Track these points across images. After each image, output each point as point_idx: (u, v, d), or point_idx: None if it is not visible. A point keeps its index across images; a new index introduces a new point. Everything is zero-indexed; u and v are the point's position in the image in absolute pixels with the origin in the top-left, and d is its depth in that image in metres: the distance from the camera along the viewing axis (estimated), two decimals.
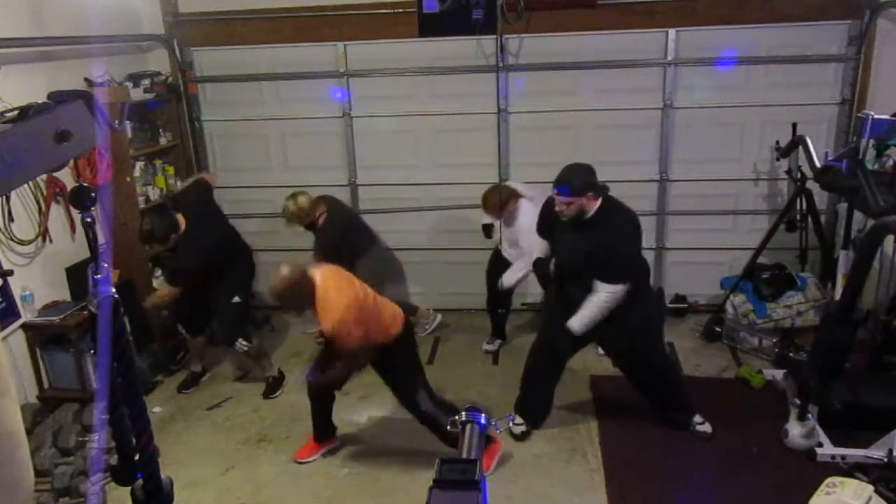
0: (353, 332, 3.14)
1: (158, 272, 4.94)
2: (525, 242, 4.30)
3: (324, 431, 3.78)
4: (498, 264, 4.66)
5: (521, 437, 3.82)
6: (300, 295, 3.14)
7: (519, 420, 3.85)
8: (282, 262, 3.21)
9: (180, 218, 4.14)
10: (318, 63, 5.18)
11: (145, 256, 4.72)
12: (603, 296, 3.41)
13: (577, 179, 3.33)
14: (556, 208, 3.39)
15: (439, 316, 5.29)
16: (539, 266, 3.87)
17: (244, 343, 4.31)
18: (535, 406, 3.89)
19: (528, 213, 4.29)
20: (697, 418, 3.79)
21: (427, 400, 3.48)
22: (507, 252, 4.60)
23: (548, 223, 3.64)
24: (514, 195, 4.44)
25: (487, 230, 4.73)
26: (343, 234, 4.58)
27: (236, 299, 4.31)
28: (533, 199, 4.32)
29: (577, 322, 3.48)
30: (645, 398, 3.84)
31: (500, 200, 4.35)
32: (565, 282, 3.66)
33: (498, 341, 4.94)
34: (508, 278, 4.47)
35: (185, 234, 4.13)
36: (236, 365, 4.82)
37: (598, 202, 3.38)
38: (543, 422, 3.90)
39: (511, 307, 4.98)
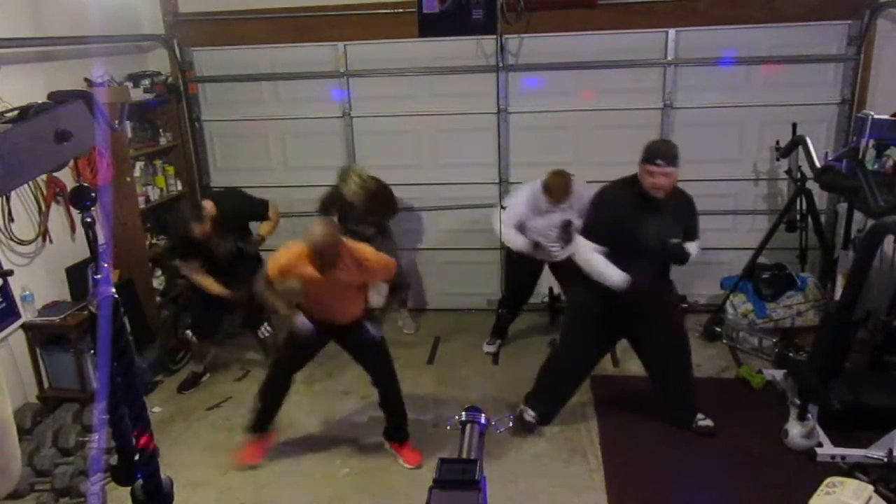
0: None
1: (158, 272, 4.95)
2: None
3: (269, 423, 3.79)
4: (520, 263, 4.55)
5: (531, 428, 3.82)
6: (337, 246, 3.24)
7: (531, 412, 3.85)
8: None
9: (205, 202, 4.15)
10: (318, 63, 5.18)
11: (145, 256, 4.72)
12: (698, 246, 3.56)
13: (674, 150, 3.36)
14: (654, 182, 3.31)
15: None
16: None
17: (268, 328, 4.38)
18: (554, 403, 3.89)
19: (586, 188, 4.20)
20: (700, 415, 3.80)
21: None
22: (552, 245, 4.38)
23: (614, 213, 3.48)
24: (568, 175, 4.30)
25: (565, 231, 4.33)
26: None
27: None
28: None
29: (695, 248, 3.55)
30: (659, 393, 3.85)
31: (567, 183, 4.23)
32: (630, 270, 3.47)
33: (498, 341, 4.93)
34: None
35: (220, 213, 4.14)
36: (237, 365, 4.82)
37: None
38: (552, 419, 3.91)
39: (521, 309, 4.96)
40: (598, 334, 3.78)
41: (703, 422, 3.78)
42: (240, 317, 4.56)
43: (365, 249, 3.40)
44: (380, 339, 3.58)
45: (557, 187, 4.24)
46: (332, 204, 4.65)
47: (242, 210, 4.32)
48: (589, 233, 3.52)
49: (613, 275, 3.41)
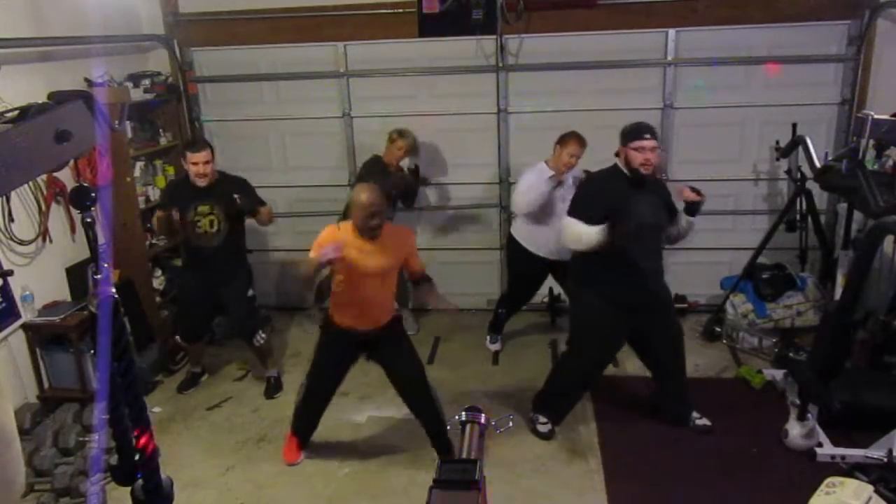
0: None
1: (159, 272, 4.95)
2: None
3: (310, 433, 3.78)
4: (528, 264, 4.49)
5: (548, 436, 3.82)
6: (383, 206, 3.31)
7: (543, 419, 3.85)
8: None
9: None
10: (318, 63, 5.18)
11: (145, 256, 4.72)
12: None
13: (653, 126, 3.40)
14: (645, 157, 3.32)
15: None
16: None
17: (262, 335, 4.38)
18: (565, 407, 3.88)
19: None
20: (695, 413, 3.81)
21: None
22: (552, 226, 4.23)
23: (608, 197, 3.42)
24: None
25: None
26: None
27: (251, 293, 4.41)
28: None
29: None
30: (660, 391, 3.86)
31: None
32: (634, 256, 3.43)
33: (499, 337, 4.92)
34: None
35: (221, 180, 4.16)
36: (236, 365, 4.82)
37: None
38: (563, 420, 3.91)
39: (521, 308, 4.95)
40: (613, 338, 3.76)
41: (701, 420, 3.79)
42: (235, 323, 4.55)
43: (403, 228, 3.57)
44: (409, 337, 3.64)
45: (576, 136, 4.20)
46: (370, 173, 4.56)
47: (242, 187, 4.17)
48: (580, 212, 3.44)
49: (592, 232, 3.31)
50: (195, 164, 3.99)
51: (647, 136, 3.34)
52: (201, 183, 4.03)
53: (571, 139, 4.21)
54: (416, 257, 3.48)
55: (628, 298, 3.52)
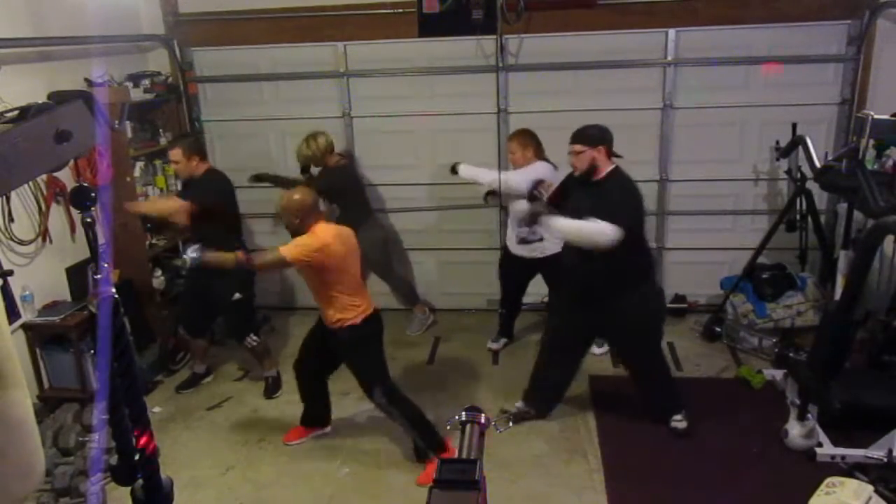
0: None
1: (159, 272, 4.94)
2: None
3: (314, 418, 3.89)
4: (510, 263, 4.62)
5: (527, 418, 3.94)
6: (296, 220, 3.31)
7: (523, 405, 3.97)
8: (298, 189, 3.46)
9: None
10: (318, 63, 5.18)
11: (145, 256, 4.72)
12: (594, 225, 3.27)
13: (590, 130, 3.47)
14: (571, 160, 3.52)
15: (433, 317, 5.32)
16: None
17: (254, 338, 4.38)
18: (547, 398, 3.96)
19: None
20: (677, 416, 3.77)
21: (381, 394, 3.49)
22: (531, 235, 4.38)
23: (564, 191, 3.74)
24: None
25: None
26: (347, 184, 4.73)
27: (237, 296, 4.33)
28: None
29: (562, 224, 3.42)
30: (636, 389, 3.89)
31: (525, 138, 4.37)
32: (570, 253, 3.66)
33: (503, 340, 4.94)
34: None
35: (204, 175, 4.20)
36: (236, 365, 4.82)
37: (611, 167, 3.47)
38: (550, 412, 3.95)
39: (520, 308, 4.97)
40: (568, 336, 3.84)
41: (676, 423, 3.76)
42: (229, 329, 4.56)
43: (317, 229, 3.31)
44: (354, 341, 3.45)
45: (513, 136, 4.41)
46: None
47: (228, 199, 4.28)
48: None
49: (590, 226, 3.33)
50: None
51: (571, 141, 3.49)
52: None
53: (509, 138, 4.46)
54: (294, 247, 3.26)
55: (575, 295, 3.67)
